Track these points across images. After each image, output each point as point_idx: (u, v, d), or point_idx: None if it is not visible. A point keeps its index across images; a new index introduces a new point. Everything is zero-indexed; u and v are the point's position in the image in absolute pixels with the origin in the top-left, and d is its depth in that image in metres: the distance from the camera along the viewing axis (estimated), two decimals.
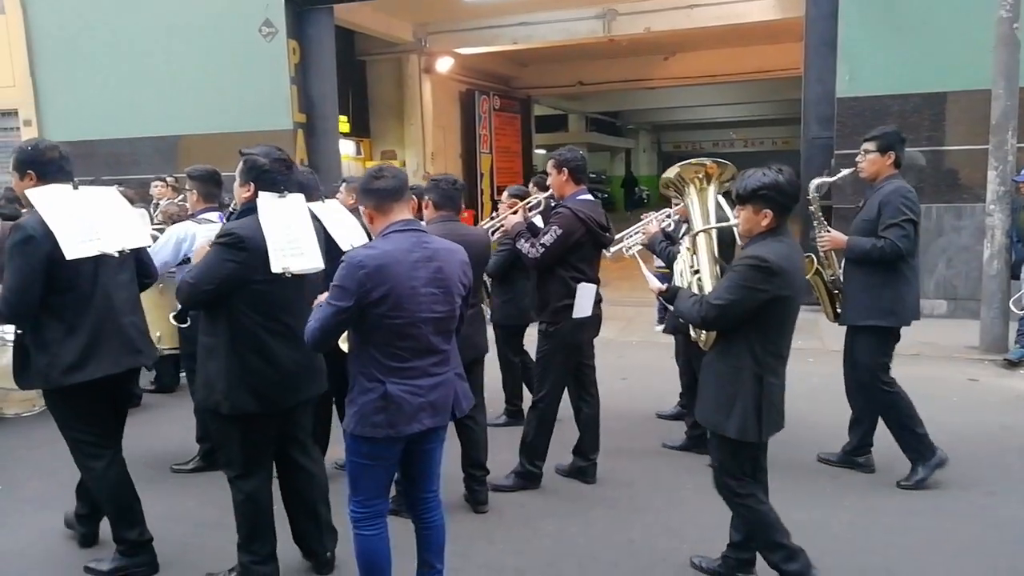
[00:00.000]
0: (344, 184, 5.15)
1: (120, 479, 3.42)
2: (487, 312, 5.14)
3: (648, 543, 3.64)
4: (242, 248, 3.00)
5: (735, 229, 3.13)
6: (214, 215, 4.34)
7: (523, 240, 4.11)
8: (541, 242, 4.00)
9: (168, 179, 7.82)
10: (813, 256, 4.22)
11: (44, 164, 3.26)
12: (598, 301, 4.22)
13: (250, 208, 3.11)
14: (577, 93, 21.71)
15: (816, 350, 6.87)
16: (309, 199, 3.44)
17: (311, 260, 3.13)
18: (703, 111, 27.72)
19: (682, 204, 3.75)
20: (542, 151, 21.36)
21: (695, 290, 3.18)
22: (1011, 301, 6.56)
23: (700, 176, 3.38)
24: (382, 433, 2.69)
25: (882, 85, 8.51)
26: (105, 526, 3.59)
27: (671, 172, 3.45)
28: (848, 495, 4.11)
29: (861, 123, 8.05)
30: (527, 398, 4.80)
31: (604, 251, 4.36)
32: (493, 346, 5.30)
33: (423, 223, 3.43)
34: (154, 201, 7.12)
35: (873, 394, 4.22)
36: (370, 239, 3.20)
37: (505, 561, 3.52)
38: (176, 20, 10.69)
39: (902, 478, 4.19)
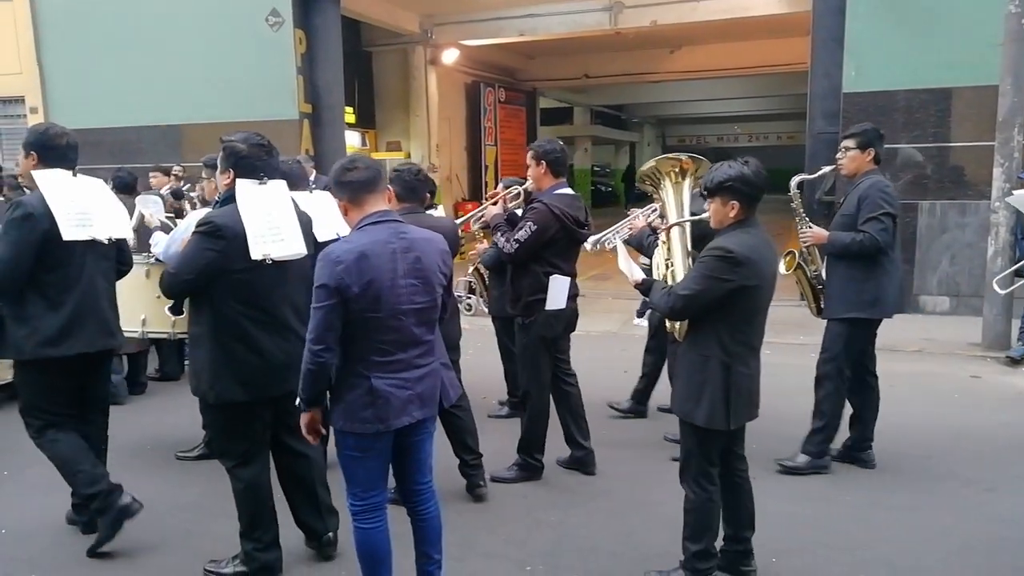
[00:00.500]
0: None
1: (74, 443, 3.44)
2: (483, 305, 5.16)
3: (649, 534, 3.65)
4: (220, 236, 3.01)
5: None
6: None
7: (499, 234, 4.14)
8: (515, 237, 4.01)
9: (176, 168, 7.84)
10: (795, 252, 4.26)
11: (49, 149, 3.42)
12: (573, 295, 4.20)
13: (232, 195, 3.11)
14: (582, 86, 21.69)
15: (819, 346, 6.82)
16: (293, 188, 3.42)
17: (293, 246, 3.12)
18: (708, 105, 27.68)
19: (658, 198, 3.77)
20: None
21: (669, 282, 3.21)
22: (995, 280, 6.30)
23: (676, 170, 3.43)
24: (371, 429, 2.66)
25: (889, 80, 8.48)
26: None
27: (647, 166, 3.50)
28: (849, 490, 4.13)
29: (867, 118, 7.98)
30: None
31: (584, 245, 4.37)
32: (493, 337, 5.34)
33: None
34: (161, 191, 7.14)
35: (827, 381, 4.27)
36: None
37: (507, 551, 3.54)
38: (183, 8, 10.67)
39: (786, 457, 4.31)
